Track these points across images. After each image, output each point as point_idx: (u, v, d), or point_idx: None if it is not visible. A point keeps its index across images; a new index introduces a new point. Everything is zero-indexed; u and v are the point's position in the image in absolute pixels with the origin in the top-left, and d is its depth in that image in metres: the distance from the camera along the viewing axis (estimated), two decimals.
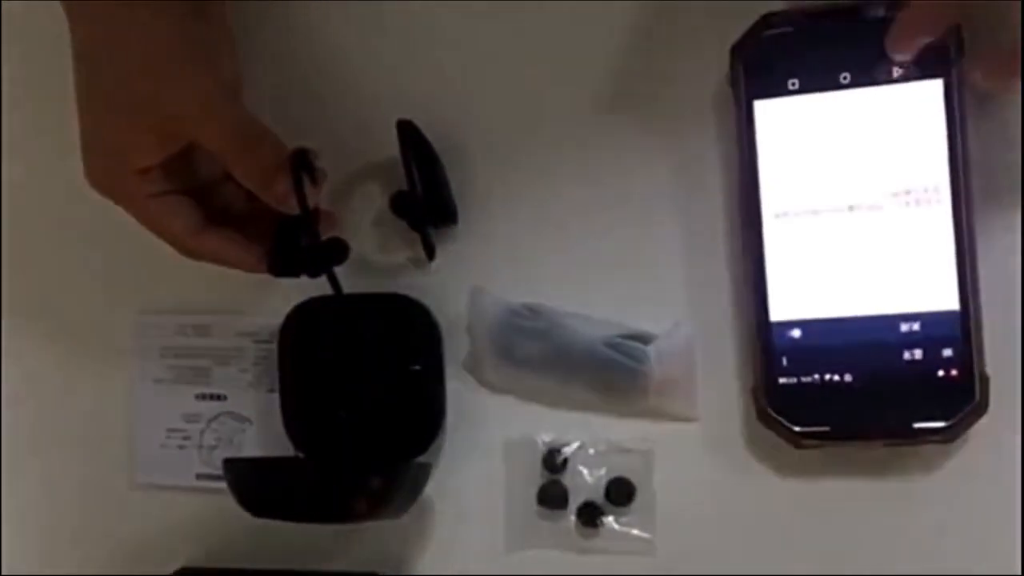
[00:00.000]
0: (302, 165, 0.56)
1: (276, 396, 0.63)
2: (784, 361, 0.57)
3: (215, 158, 0.57)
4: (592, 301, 0.61)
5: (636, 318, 0.61)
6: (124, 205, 0.57)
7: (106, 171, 0.57)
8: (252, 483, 0.57)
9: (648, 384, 0.59)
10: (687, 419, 0.60)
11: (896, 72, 0.55)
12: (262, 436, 0.65)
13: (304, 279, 0.59)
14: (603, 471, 0.61)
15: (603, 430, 0.61)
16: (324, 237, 0.58)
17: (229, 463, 0.58)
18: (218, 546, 0.65)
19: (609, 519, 0.61)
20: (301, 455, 0.63)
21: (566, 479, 0.61)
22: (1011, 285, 0.56)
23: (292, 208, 0.56)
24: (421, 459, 0.61)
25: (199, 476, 0.65)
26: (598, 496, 0.61)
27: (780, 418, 0.57)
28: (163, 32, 0.54)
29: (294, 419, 0.63)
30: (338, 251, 0.59)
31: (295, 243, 0.58)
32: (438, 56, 0.63)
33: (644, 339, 0.60)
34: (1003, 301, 0.56)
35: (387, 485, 0.57)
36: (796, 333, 0.57)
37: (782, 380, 0.57)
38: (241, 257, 0.59)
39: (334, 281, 0.57)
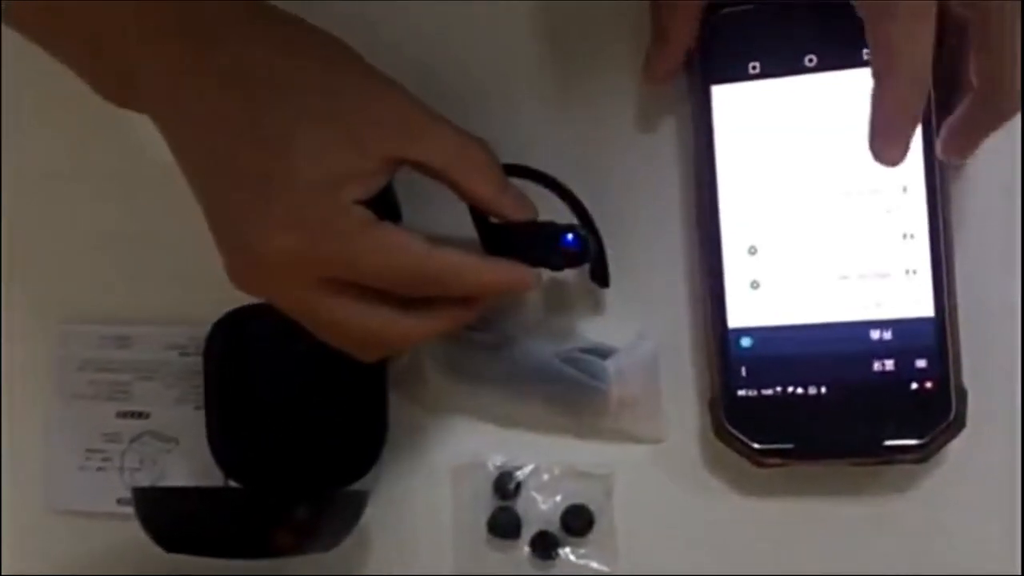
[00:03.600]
0: None
1: (203, 414, 0.60)
2: (743, 371, 0.54)
3: (433, 175, 0.50)
4: (548, 311, 0.59)
5: (596, 330, 0.58)
6: (346, 250, 0.48)
7: (317, 205, 0.48)
8: (162, 515, 0.55)
9: (606, 402, 0.57)
10: (651, 441, 0.58)
11: (867, 54, 0.51)
12: (189, 457, 0.62)
13: None
14: (559, 498, 0.59)
15: (559, 452, 0.59)
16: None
17: (137, 492, 0.55)
18: None
19: (565, 550, 0.58)
20: (228, 479, 0.60)
21: (519, 506, 0.59)
22: (990, 290, 0.54)
23: (524, 214, 0.52)
24: (360, 483, 0.59)
25: (120, 501, 0.62)
26: (553, 525, 0.58)
27: (739, 434, 0.55)
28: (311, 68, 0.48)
29: (221, 439, 0.60)
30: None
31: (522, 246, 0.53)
32: (383, 45, 0.58)
33: (603, 353, 0.57)
34: (981, 307, 0.54)
35: (313, 516, 0.55)
36: (755, 341, 0.54)
37: (740, 392, 0.55)
38: (509, 272, 0.52)
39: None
